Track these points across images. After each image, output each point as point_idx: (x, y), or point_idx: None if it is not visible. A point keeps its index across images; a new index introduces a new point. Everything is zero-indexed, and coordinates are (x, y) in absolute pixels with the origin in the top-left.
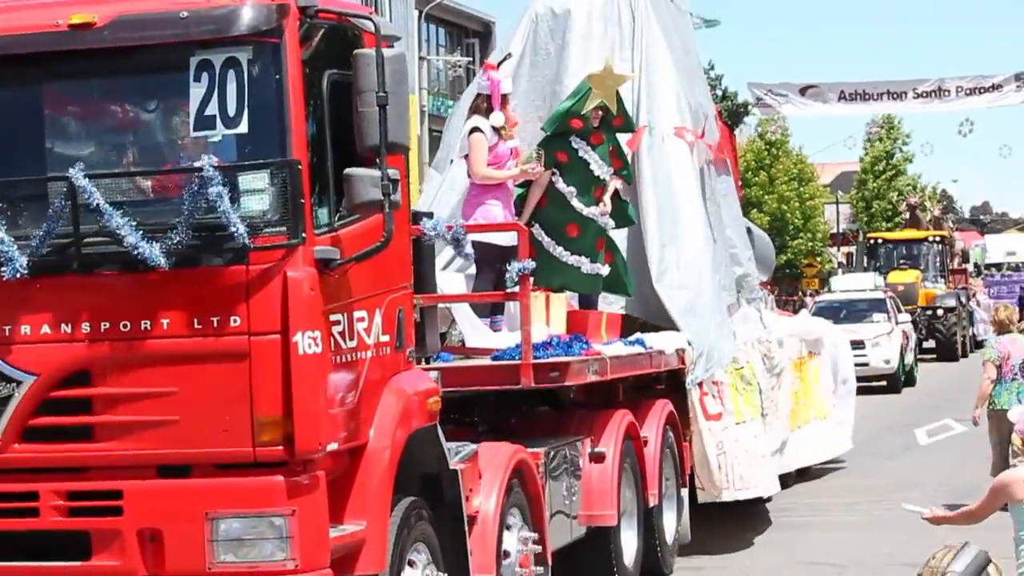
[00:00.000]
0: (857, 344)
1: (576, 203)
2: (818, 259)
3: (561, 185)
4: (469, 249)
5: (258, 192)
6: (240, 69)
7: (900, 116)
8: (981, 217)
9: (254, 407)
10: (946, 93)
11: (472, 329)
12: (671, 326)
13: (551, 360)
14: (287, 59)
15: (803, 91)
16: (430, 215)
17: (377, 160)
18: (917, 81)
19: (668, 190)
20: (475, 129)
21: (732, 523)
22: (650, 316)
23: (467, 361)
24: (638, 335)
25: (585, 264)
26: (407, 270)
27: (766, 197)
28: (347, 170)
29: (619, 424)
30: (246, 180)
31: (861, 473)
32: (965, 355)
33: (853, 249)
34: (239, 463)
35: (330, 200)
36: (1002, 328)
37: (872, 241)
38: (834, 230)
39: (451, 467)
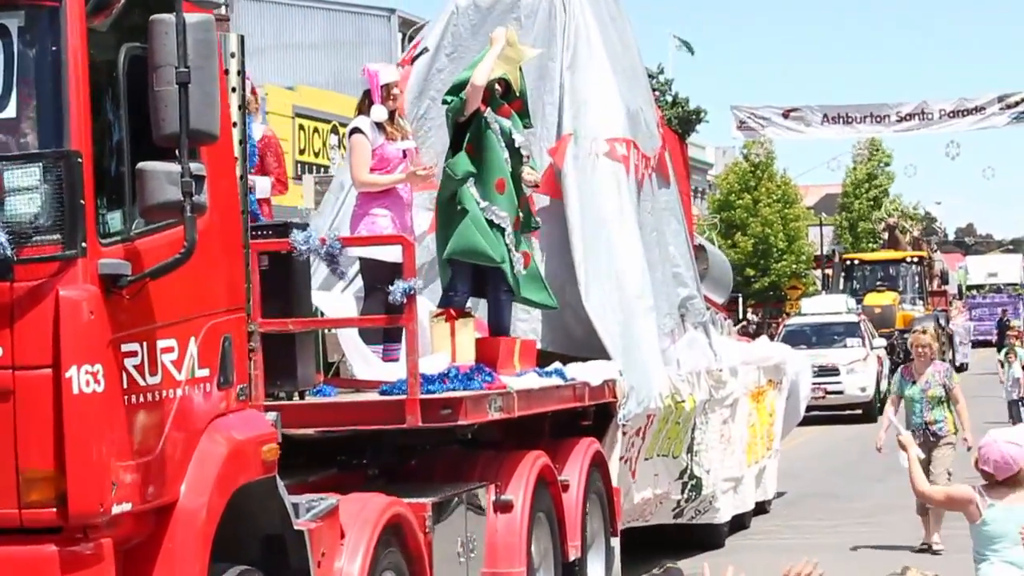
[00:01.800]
0: (830, 370)
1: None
2: (802, 281)
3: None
4: (345, 267)
5: (26, 191)
6: (8, 40)
7: (883, 139)
8: (965, 239)
9: (19, 460)
10: (929, 116)
11: (361, 359)
12: (600, 356)
13: (442, 395)
14: (68, 27)
15: (786, 114)
16: (303, 226)
17: (177, 152)
18: (900, 104)
19: (596, 210)
20: (354, 130)
21: (712, 547)
22: (573, 348)
23: (348, 396)
24: (556, 365)
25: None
26: (238, 290)
27: (750, 220)
28: (139, 164)
29: (530, 467)
30: (12, 176)
31: (846, 496)
32: None
33: (830, 271)
34: (2, 528)
35: (125, 202)
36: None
37: (848, 262)
38: (818, 252)
39: (295, 527)
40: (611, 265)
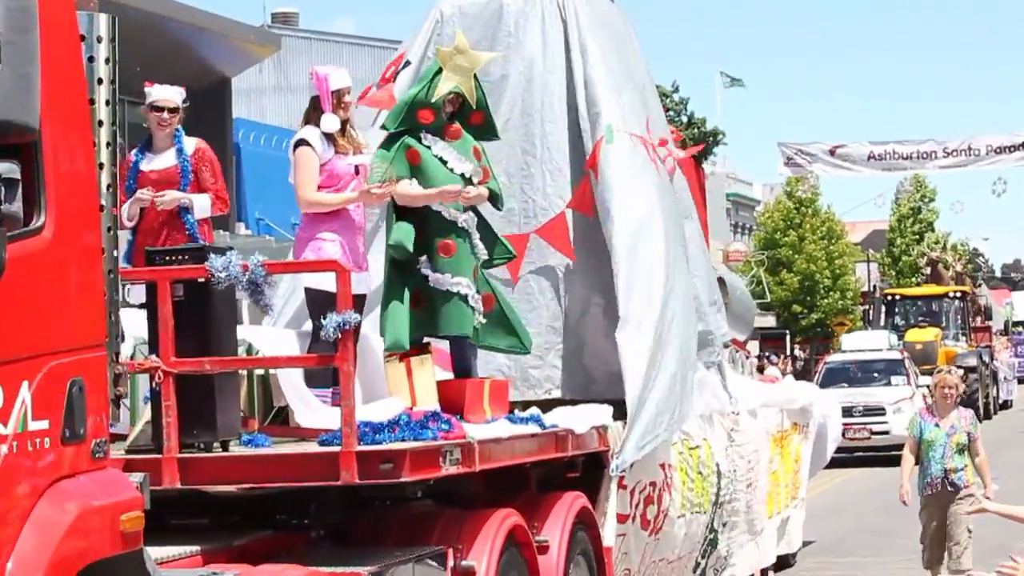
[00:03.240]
0: (876, 410)
1: (440, 207)
2: (849, 317)
3: (416, 189)
4: (270, 298)
5: None
6: None
7: (929, 175)
8: (1012, 275)
9: None
10: (976, 152)
11: (302, 404)
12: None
13: (383, 448)
14: None
15: (832, 151)
16: (222, 250)
17: None
18: (946, 140)
19: (638, 205)
20: (300, 143)
21: None
22: (592, 393)
23: (282, 447)
24: (534, 410)
25: (471, 293)
26: (95, 323)
27: (796, 257)
28: None
29: (498, 527)
30: None
31: (891, 532)
32: (989, 416)
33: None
34: None
35: None
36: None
37: (889, 298)
38: (865, 288)
39: None
40: (651, 286)
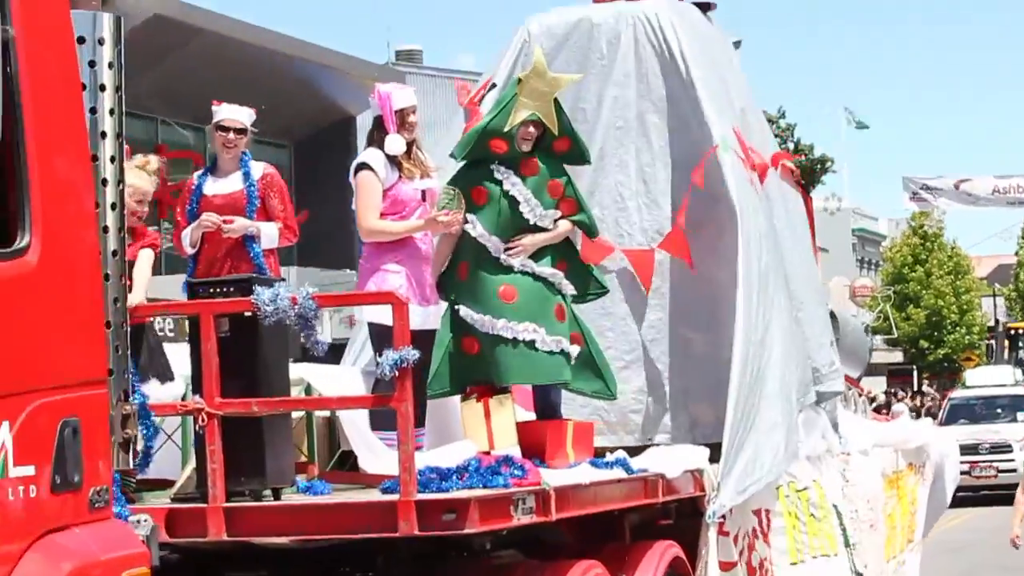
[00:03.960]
0: (1002, 447)
1: (504, 256)
2: (976, 352)
3: (479, 231)
4: (321, 335)
5: None
6: None
7: None
8: None
9: None
10: None
11: (365, 448)
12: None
13: (446, 496)
14: None
15: (957, 185)
16: (269, 282)
17: None
18: None
19: (759, 228)
20: (361, 166)
21: None
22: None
23: (342, 495)
24: (620, 454)
25: (540, 336)
26: (92, 357)
27: (923, 292)
28: None
29: None
30: None
31: (1017, 568)
32: None
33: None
34: None
35: None
36: None
37: (1013, 332)
38: (991, 323)
39: None
40: (747, 320)
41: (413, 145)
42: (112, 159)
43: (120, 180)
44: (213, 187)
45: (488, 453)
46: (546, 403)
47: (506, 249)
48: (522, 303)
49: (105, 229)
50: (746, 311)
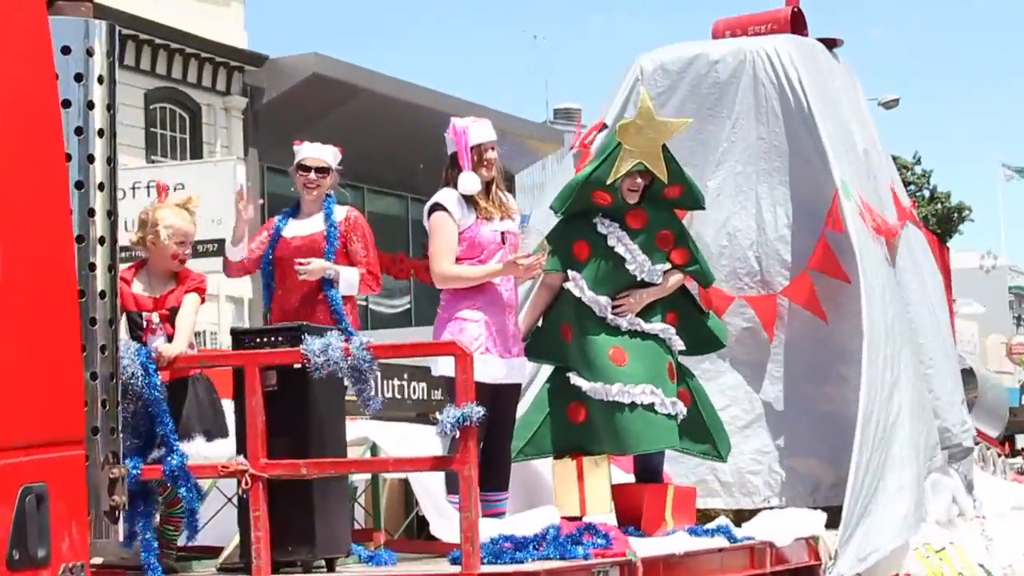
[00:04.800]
0: None
1: (611, 315)
2: None
3: (582, 290)
4: (373, 391)
5: None
6: None
7: None
8: None
9: None
10: None
11: (436, 513)
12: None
13: (513, 569)
14: None
15: None
16: (321, 331)
17: None
18: None
19: (883, 280)
20: (435, 207)
21: None
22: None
23: (408, 566)
24: (722, 520)
25: (659, 398)
26: (65, 413)
27: None
28: None
29: None
30: None
31: None
32: None
33: None
34: None
35: None
36: None
37: None
38: None
39: None
40: (870, 377)
41: (492, 184)
42: (100, 186)
43: (112, 211)
44: (292, 229)
45: (578, 519)
46: (647, 464)
47: (613, 307)
48: (635, 365)
49: (92, 267)
50: (870, 366)
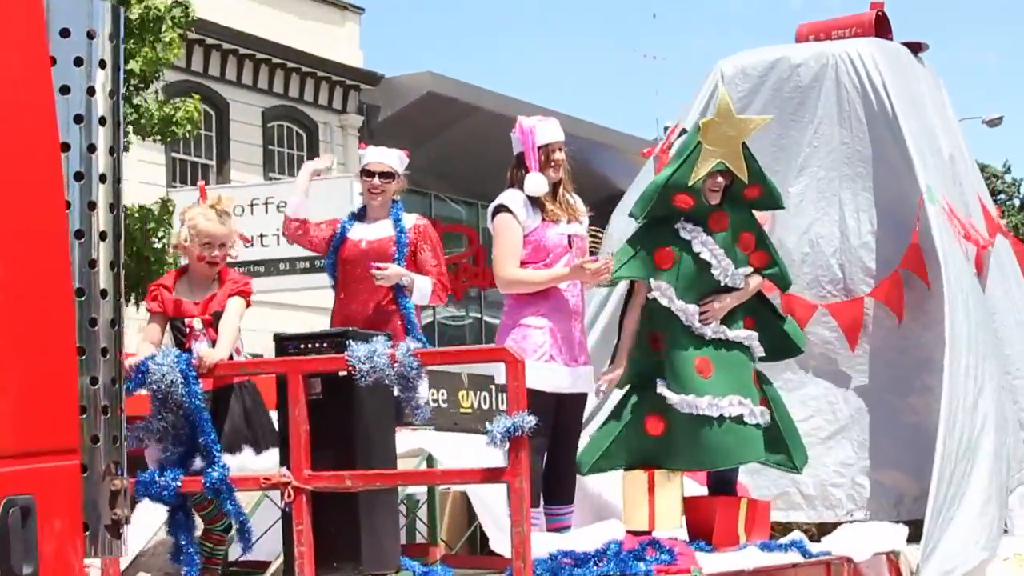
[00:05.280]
0: None
1: (698, 324)
2: None
3: (670, 299)
4: (424, 396)
5: None
6: None
7: None
8: None
9: None
10: None
11: (495, 527)
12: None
13: None
14: None
15: None
16: (367, 336)
17: None
18: None
19: (967, 287)
20: (499, 209)
21: None
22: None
23: None
24: (796, 535)
25: (748, 408)
26: (57, 421)
27: None
28: None
29: None
30: None
31: None
32: None
33: None
34: None
35: None
36: None
37: None
38: None
39: None
40: (953, 386)
41: (560, 186)
42: (103, 178)
43: (115, 206)
44: (359, 232)
45: (647, 533)
46: (721, 477)
47: (699, 315)
48: (721, 375)
49: (92, 263)
50: (952, 374)
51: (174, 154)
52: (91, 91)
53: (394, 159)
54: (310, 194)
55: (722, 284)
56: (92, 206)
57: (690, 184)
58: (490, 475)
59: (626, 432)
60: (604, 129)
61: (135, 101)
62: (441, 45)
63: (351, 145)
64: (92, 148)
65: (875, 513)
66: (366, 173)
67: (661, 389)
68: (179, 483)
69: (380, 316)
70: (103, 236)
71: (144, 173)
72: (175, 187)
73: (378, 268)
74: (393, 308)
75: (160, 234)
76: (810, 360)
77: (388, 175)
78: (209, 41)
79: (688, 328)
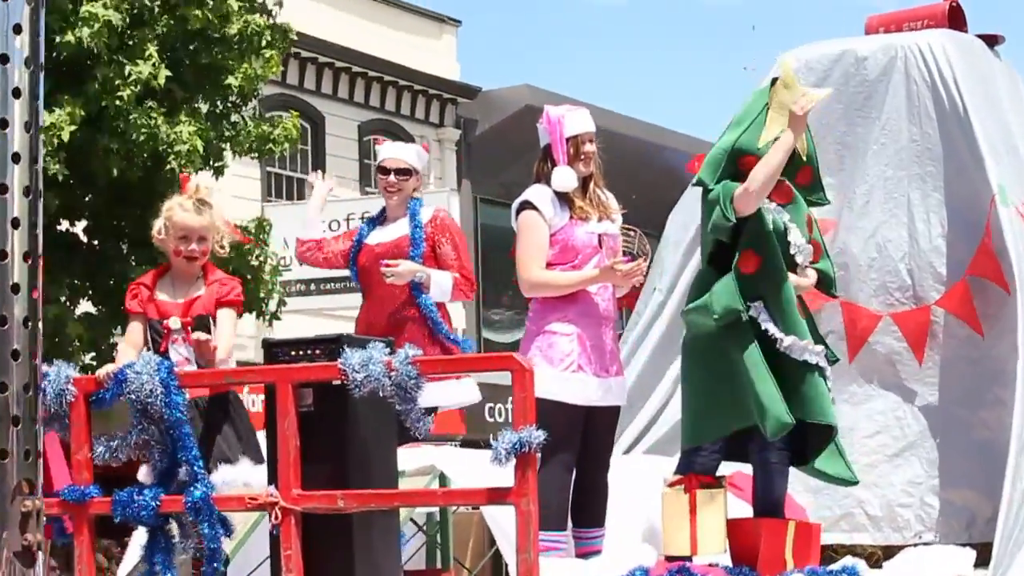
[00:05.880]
0: None
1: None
2: None
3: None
4: (420, 412)
5: None
6: None
7: None
8: None
9: None
10: None
11: (512, 550)
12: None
13: None
14: None
15: None
16: (363, 342)
17: None
18: None
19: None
20: (523, 205)
21: None
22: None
23: None
24: (848, 560)
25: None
26: None
27: None
28: None
29: None
30: None
31: None
32: None
33: None
34: None
35: None
36: None
37: None
38: None
39: None
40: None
41: (591, 181)
42: (15, 157)
43: (29, 188)
44: (376, 235)
45: (688, 558)
46: (767, 496)
47: None
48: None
49: (3, 254)
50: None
51: (269, 168)
52: (3, 59)
53: (411, 155)
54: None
55: (798, 263)
56: (4, 189)
57: (760, 147)
58: (495, 495)
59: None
60: (699, 141)
61: (232, 119)
62: (539, 57)
63: (448, 159)
64: (4, 124)
65: (945, 535)
66: (381, 170)
67: (768, 326)
68: (158, 502)
69: (398, 319)
70: (15, 223)
71: (238, 187)
72: (270, 201)
73: (387, 266)
74: (412, 310)
75: (256, 252)
76: (876, 373)
77: (405, 171)
78: (305, 54)
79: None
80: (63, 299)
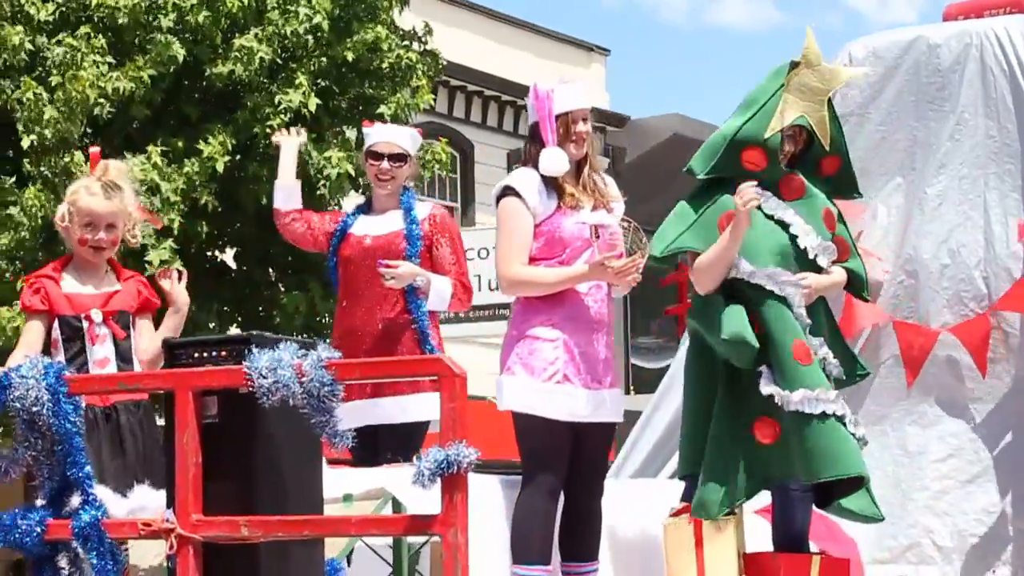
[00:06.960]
0: None
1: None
2: None
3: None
4: (339, 423)
5: None
6: None
7: None
8: None
9: None
10: None
11: None
12: None
13: None
14: None
15: None
16: (274, 342)
17: None
18: None
19: None
20: (505, 191)
21: None
22: None
23: None
24: None
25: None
26: None
27: None
28: None
29: None
30: None
31: None
32: None
33: None
34: None
35: None
36: None
37: None
38: None
39: None
40: None
41: (585, 165)
42: None
43: None
44: (364, 226)
45: None
46: (788, 528)
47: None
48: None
49: None
50: None
51: (420, 198)
52: None
53: (406, 138)
54: None
55: (810, 257)
56: None
57: (766, 138)
58: (417, 525)
59: (728, 448)
60: None
61: None
62: (687, 86)
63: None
64: None
65: (1018, 570)
66: (372, 155)
67: (768, 384)
68: (44, 527)
69: (394, 327)
70: None
71: None
72: None
73: (387, 266)
74: (407, 318)
75: None
76: (947, 391)
77: (399, 157)
78: (454, 83)
79: (781, 302)
80: (212, 325)
